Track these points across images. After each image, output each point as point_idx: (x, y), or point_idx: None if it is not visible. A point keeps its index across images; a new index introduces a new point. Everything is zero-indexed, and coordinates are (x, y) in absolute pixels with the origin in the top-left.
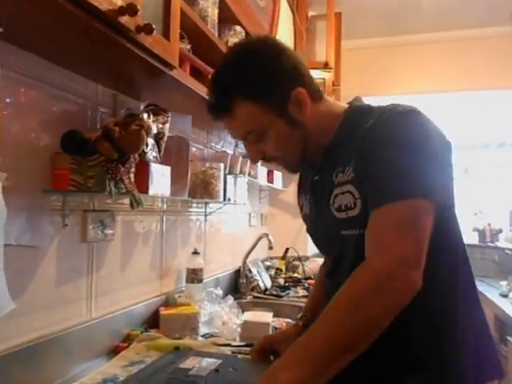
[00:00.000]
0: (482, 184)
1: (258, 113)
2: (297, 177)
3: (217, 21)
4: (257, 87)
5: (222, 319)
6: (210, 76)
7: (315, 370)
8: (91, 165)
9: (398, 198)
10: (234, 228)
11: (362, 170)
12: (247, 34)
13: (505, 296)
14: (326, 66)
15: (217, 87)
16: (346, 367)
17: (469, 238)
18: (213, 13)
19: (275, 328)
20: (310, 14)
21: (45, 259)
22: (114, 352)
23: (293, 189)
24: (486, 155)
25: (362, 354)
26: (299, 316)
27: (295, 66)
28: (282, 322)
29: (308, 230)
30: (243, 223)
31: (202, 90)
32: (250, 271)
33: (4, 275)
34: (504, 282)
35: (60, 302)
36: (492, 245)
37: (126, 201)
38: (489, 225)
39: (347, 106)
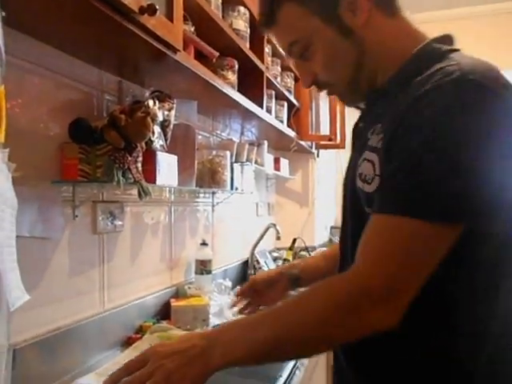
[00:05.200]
0: None
1: (301, 16)
2: (304, 163)
3: (220, 1)
4: None
5: (231, 310)
6: (214, 60)
7: (252, 355)
8: (99, 154)
9: (408, 212)
10: (242, 218)
11: (388, 149)
12: (251, 14)
13: None
14: None
15: None
16: None
17: None
18: None
19: None
20: None
21: (57, 251)
22: (127, 343)
23: (300, 176)
24: None
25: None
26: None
27: None
28: None
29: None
30: (250, 213)
31: (207, 74)
32: (258, 262)
33: (17, 267)
34: None
35: (73, 293)
36: None
37: (134, 191)
38: None
39: (424, 43)
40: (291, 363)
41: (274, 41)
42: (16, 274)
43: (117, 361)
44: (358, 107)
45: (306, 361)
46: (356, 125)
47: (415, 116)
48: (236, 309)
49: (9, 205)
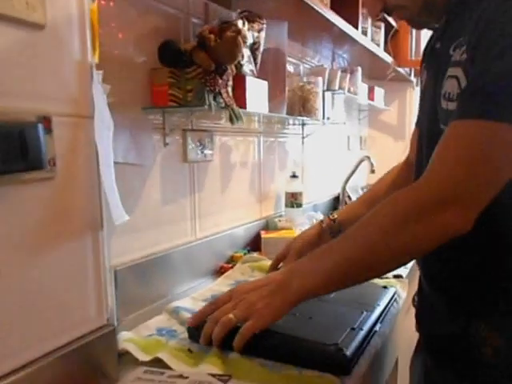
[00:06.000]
0: None
1: None
2: (401, 93)
3: None
4: None
5: None
6: None
7: (329, 281)
8: (189, 77)
9: (491, 117)
10: (332, 152)
11: (472, 56)
12: None
13: None
14: None
15: None
16: None
17: None
18: None
19: None
20: None
21: (149, 178)
22: (218, 272)
23: (396, 108)
24: None
25: None
26: (326, 217)
27: None
28: None
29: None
30: (341, 147)
31: None
32: (350, 198)
33: (116, 188)
34: None
35: (166, 221)
36: None
37: (223, 121)
38: None
39: None
40: (390, 294)
41: None
42: (115, 193)
43: (210, 287)
44: (431, 28)
45: (403, 293)
46: (430, 47)
47: (502, 17)
48: None
49: (106, 125)
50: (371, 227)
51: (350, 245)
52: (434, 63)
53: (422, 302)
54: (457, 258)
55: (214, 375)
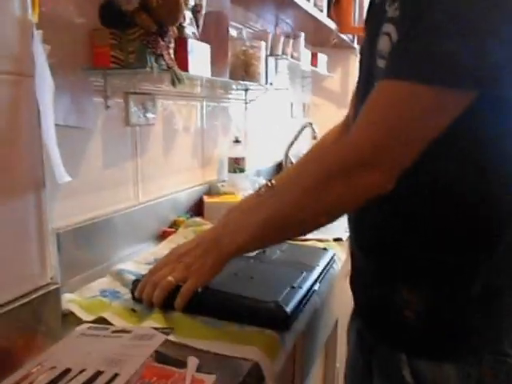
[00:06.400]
0: None
1: None
2: (344, 60)
3: None
4: None
5: None
6: None
7: (257, 237)
8: (131, 39)
9: (412, 78)
10: (276, 119)
11: (402, 14)
12: None
13: None
14: None
15: None
16: None
17: None
18: None
19: None
20: None
21: (91, 141)
22: (161, 237)
23: (339, 75)
24: None
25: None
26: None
27: None
28: None
29: None
30: (285, 114)
31: None
32: (292, 164)
33: (57, 149)
34: None
35: (109, 184)
36: None
37: (166, 85)
38: None
39: None
40: (329, 255)
41: None
42: (58, 153)
43: (153, 251)
44: None
45: (343, 255)
46: (370, 3)
47: None
48: None
49: (47, 84)
50: (297, 185)
51: (278, 202)
52: (372, 20)
53: (353, 266)
54: (381, 224)
55: (156, 328)
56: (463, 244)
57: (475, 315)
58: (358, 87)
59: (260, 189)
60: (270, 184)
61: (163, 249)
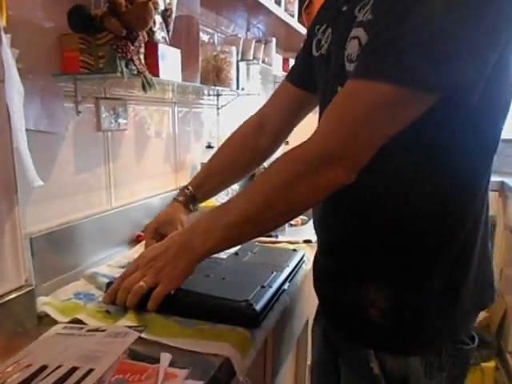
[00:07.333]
0: None
1: None
2: None
3: None
4: None
5: None
6: None
7: (228, 237)
8: (100, 43)
9: (378, 78)
10: None
11: (372, 18)
12: None
13: None
14: None
15: None
16: None
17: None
18: None
19: None
20: None
21: (62, 147)
22: (135, 241)
23: None
24: None
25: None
26: (179, 191)
27: None
28: None
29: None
30: None
31: None
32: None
33: (29, 154)
34: None
35: (81, 189)
36: None
37: (137, 90)
38: None
39: None
40: (298, 256)
41: None
42: (29, 157)
43: (127, 255)
44: None
45: (312, 256)
46: (336, 10)
47: None
48: None
49: (17, 89)
50: (265, 183)
51: (247, 201)
52: (339, 25)
53: (318, 266)
54: (347, 227)
55: (130, 327)
56: (420, 246)
57: (435, 311)
58: (321, 93)
59: (177, 199)
60: (186, 190)
61: (137, 253)
